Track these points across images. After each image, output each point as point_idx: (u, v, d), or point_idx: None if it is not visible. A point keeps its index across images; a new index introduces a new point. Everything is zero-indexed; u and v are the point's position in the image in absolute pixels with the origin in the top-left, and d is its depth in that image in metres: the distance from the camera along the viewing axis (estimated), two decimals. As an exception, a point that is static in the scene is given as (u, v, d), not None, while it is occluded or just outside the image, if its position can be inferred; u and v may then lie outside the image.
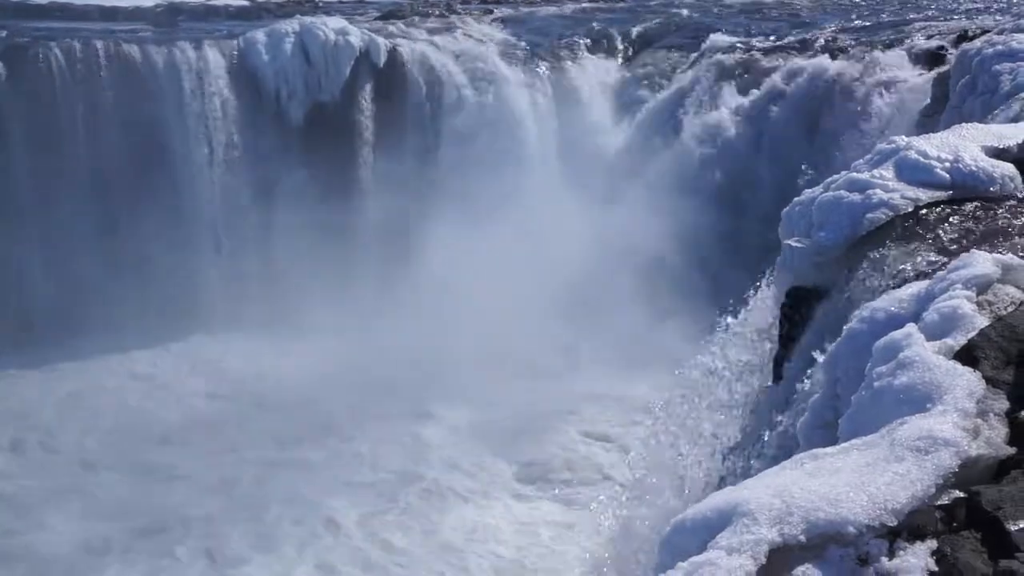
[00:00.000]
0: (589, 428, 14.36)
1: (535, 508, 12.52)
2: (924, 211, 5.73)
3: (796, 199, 6.56)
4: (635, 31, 22.17)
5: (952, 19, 20.13)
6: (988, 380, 3.45)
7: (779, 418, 5.72)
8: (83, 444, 14.28)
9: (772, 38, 20.13)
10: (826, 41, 18.38)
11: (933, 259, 5.12)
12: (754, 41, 19.93)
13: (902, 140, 6.29)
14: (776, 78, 17.31)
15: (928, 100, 13.26)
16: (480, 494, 12.77)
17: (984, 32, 14.00)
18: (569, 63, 20.49)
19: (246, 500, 12.66)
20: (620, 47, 21.49)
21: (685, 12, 24.83)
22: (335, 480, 13.05)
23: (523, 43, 20.93)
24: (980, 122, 7.92)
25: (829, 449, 3.29)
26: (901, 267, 5.22)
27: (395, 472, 13.29)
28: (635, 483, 9.07)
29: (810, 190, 6.48)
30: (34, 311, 16.80)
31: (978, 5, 24.17)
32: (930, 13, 22.86)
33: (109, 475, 13.43)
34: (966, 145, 6.11)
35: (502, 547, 11.63)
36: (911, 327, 3.92)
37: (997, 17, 19.34)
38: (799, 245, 6.19)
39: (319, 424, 14.44)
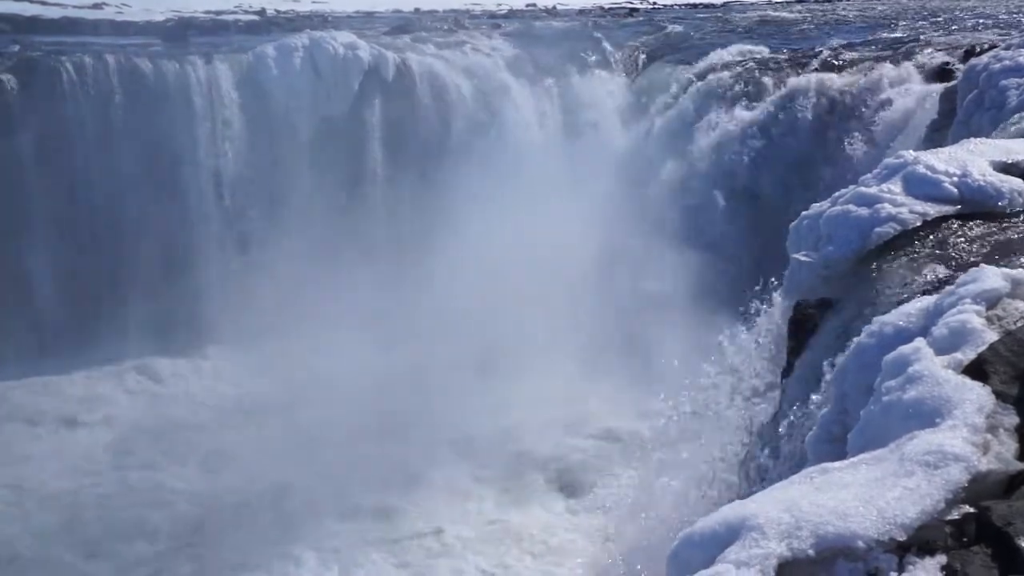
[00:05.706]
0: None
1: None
2: (932, 225, 5.71)
3: (804, 213, 6.56)
4: (642, 47, 22.30)
5: (958, 34, 20.14)
6: (998, 395, 3.44)
7: (779, 429, 5.72)
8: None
9: (777, 54, 20.17)
10: (832, 57, 18.41)
11: (942, 273, 5.10)
12: (760, 57, 19.99)
13: (910, 155, 6.29)
14: (782, 92, 17.31)
15: (935, 115, 13.21)
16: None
17: (991, 47, 13.99)
18: (577, 77, 20.57)
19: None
20: (627, 62, 21.60)
21: (691, 30, 24.93)
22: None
23: (531, 57, 21.03)
24: (988, 137, 7.91)
25: (838, 463, 3.28)
26: (909, 281, 5.21)
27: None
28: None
29: (818, 204, 6.48)
30: (44, 323, 16.85)
31: (985, 21, 24.19)
32: (935, 29, 22.90)
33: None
34: (974, 160, 6.10)
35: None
36: (920, 341, 3.91)
37: (1004, 32, 19.34)
38: (807, 259, 6.18)
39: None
